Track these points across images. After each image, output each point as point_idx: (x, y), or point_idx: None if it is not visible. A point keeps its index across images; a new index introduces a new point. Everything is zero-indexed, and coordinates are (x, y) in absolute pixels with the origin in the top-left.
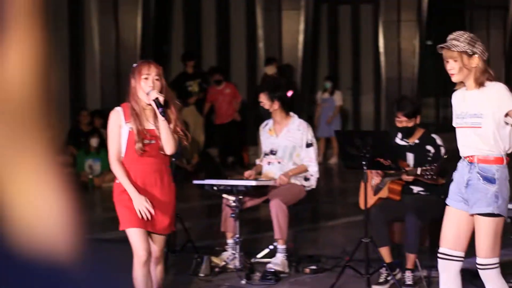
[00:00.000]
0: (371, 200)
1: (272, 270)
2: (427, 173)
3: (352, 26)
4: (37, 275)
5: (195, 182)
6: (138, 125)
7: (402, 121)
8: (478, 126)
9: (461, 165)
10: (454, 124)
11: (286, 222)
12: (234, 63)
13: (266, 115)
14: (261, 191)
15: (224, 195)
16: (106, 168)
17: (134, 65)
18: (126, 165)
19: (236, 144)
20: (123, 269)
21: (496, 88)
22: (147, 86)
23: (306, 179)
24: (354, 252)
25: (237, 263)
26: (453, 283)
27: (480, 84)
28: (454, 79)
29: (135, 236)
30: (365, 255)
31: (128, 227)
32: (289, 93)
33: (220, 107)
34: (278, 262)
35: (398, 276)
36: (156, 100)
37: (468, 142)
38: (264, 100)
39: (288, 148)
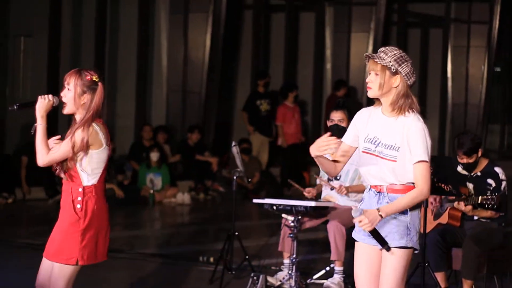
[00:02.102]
0: (431, 225)
1: None
2: (488, 202)
3: (421, 50)
4: None
5: (255, 200)
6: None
7: (462, 157)
8: (393, 160)
9: (368, 195)
10: (360, 147)
11: (344, 244)
12: (301, 83)
13: (337, 133)
14: (320, 212)
15: (283, 215)
16: (167, 182)
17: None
18: (100, 191)
19: (300, 165)
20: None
21: (415, 128)
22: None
23: None
24: (410, 276)
25: (292, 283)
26: None
27: (398, 109)
28: (370, 93)
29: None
30: (422, 280)
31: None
32: None
33: (289, 127)
34: (334, 282)
35: None
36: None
37: (376, 172)
38: (342, 117)
39: (350, 172)
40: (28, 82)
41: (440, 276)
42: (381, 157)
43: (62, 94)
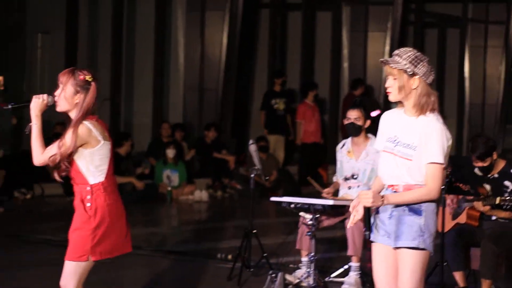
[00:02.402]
0: (449, 224)
1: None
2: (506, 203)
3: (438, 50)
4: None
5: (273, 199)
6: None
7: (477, 161)
8: (408, 159)
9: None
10: (381, 147)
11: (361, 240)
12: (318, 82)
13: (354, 132)
14: (339, 210)
15: (301, 213)
16: (183, 179)
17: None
18: (109, 186)
19: (317, 163)
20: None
21: (433, 128)
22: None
23: None
24: (429, 276)
25: (311, 281)
26: None
27: (420, 109)
28: (391, 98)
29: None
30: (440, 279)
31: None
32: (376, 113)
33: (309, 125)
34: (352, 281)
35: None
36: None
37: (393, 171)
38: (358, 115)
39: (367, 171)
40: (45, 78)
41: (458, 276)
42: (399, 156)
43: (56, 93)
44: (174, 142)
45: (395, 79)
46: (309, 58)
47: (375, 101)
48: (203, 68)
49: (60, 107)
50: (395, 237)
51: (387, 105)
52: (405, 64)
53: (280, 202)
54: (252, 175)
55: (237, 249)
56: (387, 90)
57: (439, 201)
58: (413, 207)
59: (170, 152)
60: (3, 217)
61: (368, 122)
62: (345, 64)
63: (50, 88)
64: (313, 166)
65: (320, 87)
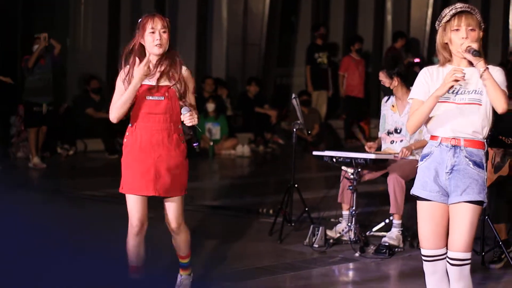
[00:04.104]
0: (492, 176)
1: (387, 244)
2: None
3: (482, 1)
4: None
5: (315, 153)
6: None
7: None
8: (478, 103)
9: (438, 150)
10: (423, 97)
11: (403, 197)
12: (361, 35)
13: (387, 92)
14: (380, 165)
15: (343, 167)
16: (225, 133)
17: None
18: (133, 122)
19: (360, 116)
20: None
21: (496, 70)
22: (154, 40)
23: None
24: None
25: (351, 235)
26: (445, 282)
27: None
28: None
29: (132, 203)
30: (481, 233)
31: (127, 192)
32: (417, 60)
33: (352, 78)
34: (393, 236)
35: None
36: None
37: (452, 123)
38: (383, 78)
39: None
40: (89, 33)
41: (500, 228)
42: (463, 103)
43: (157, 38)
44: (214, 97)
45: (473, 30)
46: (352, 12)
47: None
48: (246, 22)
49: (163, 49)
50: (460, 192)
51: (430, 59)
52: (479, 17)
53: (322, 157)
54: (295, 129)
55: (278, 203)
56: (470, 40)
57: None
58: (476, 161)
59: (210, 107)
60: (47, 173)
61: (396, 80)
62: (389, 17)
63: (94, 42)
64: (356, 120)
65: (363, 41)
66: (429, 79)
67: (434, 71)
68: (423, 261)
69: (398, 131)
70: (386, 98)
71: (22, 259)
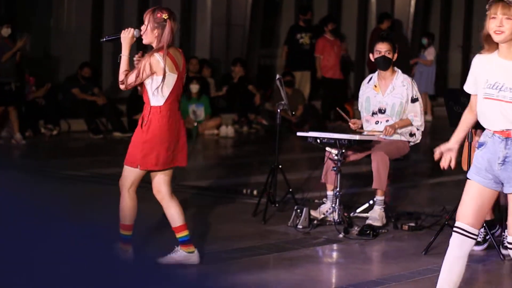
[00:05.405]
0: None
1: (371, 225)
2: None
3: None
4: None
5: (299, 134)
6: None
7: None
8: None
9: (492, 141)
10: (480, 94)
11: (386, 174)
12: (345, 17)
13: (384, 65)
14: (365, 145)
15: (327, 148)
16: (208, 112)
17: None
18: (165, 111)
19: (342, 98)
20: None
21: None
22: None
23: (412, 134)
24: (454, 211)
25: (335, 216)
26: (464, 261)
27: None
28: (499, 38)
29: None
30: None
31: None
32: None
33: (328, 59)
34: (375, 216)
35: (498, 234)
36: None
37: (501, 117)
38: (386, 48)
39: (396, 106)
40: (73, 14)
41: None
42: (506, 101)
43: (141, 28)
44: (197, 78)
45: (509, 19)
46: None
47: (402, 35)
48: (230, 3)
49: (145, 40)
50: None
51: (415, 40)
52: None
53: (306, 137)
54: (279, 110)
55: (262, 184)
56: (498, 30)
57: None
58: None
59: (193, 88)
60: (31, 151)
61: (396, 56)
62: None
63: (77, 23)
64: (337, 101)
65: (347, 22)
66: (478, 67)
67: (483, 58)
68: (453, 233)
69: (383, 111)
70: (368, 78)
71: (9, 238)
